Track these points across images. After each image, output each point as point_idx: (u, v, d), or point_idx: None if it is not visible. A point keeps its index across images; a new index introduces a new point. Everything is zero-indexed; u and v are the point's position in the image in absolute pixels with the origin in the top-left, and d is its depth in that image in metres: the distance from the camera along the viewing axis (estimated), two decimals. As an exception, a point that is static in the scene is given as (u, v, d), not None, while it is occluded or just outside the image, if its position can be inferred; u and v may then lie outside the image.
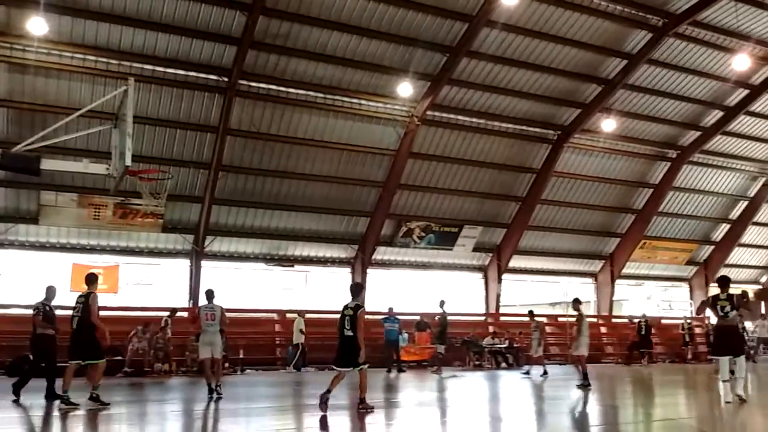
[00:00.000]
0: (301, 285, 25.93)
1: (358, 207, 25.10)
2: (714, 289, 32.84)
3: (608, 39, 23.35)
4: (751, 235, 34.14)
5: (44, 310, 12.00)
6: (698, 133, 28.61)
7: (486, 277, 28.97)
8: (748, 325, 26.41)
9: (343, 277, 26.25)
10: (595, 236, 30.43)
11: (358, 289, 11.47)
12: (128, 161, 12.33)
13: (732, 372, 11.10)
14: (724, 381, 11.10)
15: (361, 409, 10.27)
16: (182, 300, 22.88)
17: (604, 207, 29.52)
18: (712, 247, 33.72)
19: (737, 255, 34.60)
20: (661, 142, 28.53)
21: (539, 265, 30.22)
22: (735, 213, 32.95)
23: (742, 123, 28.97)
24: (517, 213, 27.77)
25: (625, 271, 31.47)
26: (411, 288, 26.85)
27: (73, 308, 11.43)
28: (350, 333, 10.42)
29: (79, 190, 20.85)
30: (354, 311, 10.47)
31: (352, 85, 22.20)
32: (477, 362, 23.60)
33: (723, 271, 34.14)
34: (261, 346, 22.31)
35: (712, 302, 11.56)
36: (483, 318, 27.67)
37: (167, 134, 21.35)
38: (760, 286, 37.12)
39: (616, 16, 22.50)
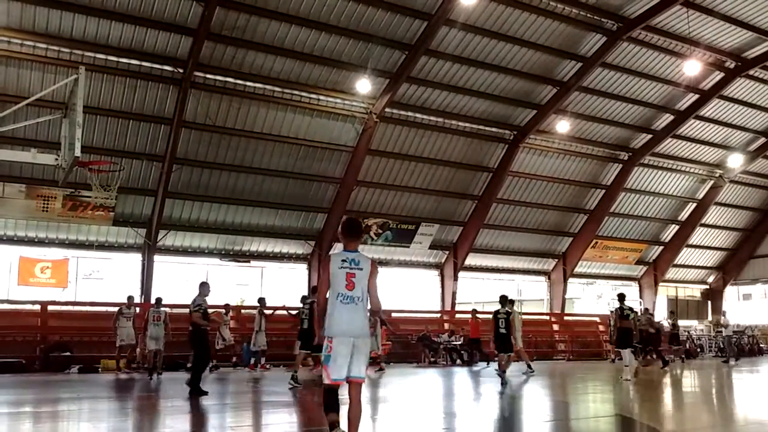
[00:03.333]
0: (256, 281, 25.71)
1: (315, 203, 25.02)
2: (662, 289, 34.00)
3: (564, 42, 23.71)
4: (699, 236, 35.12)
5: (205, 307, 12.59)
6: (649, 136, 29.29)
7: (442, 275, 29.18)
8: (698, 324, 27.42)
9: (300, 273, 26.15)
10: (548, 235, 30.92)
11: (505, 299, 15.36)
12: (78, 152, 12.05)
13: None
14: (626, 366, 15.71)
15: (500, 375, 14.33)
16: (134, 295, 22.43)
17: (557, 207, 30.01)
18: (662, 247, 34.60)
19: (685, 255, 35.57)
20: (614, 144, 29.12)
21: (494, 263, 30.58)
22: (684, 214, 33.85)
23: (692, 127, 29.76)
24: (473, 211, 28.04)
25: (577, 269, 32.08)
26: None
27: (301, 310, 14.69)
28: (504, 331, 14.82)
29: (27, 181, 20.28)
30: (506, 315, 14.88)
31: (310, 80, 22.08)
32: (432, 359, 23.77)
33: (672, 271, 35.21)
34: (213, 343, 21.95)
35: (620, 311, 16.12)
36: (438, 315, 27.86)
37: (119, 125, 20.91)
38: (707, 286, 38.26)
39: (572, 19, 22.86)
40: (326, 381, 5.85)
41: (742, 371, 20.88)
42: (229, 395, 13.69)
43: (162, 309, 17.65)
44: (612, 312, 17.24)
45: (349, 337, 5.84)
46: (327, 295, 6.01)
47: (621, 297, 17.02)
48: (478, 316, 23.68)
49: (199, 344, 12.50)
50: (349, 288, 5.86)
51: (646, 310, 26.44)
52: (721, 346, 30.37)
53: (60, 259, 22.07)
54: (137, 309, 18.83)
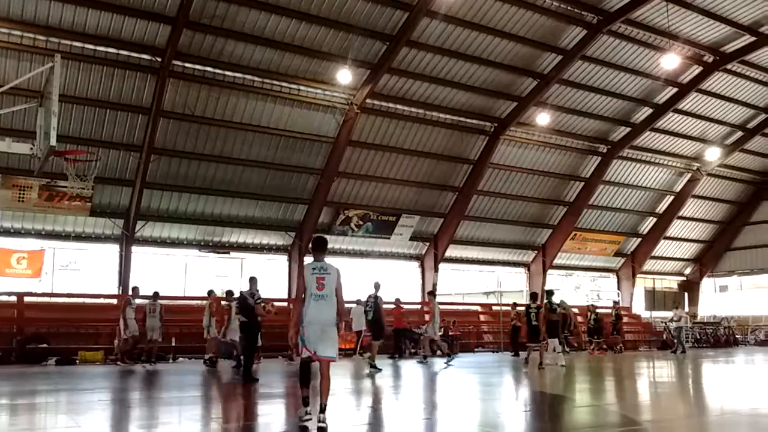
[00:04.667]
0: (236, 272, 25.57)
1: (295, 194, 24.92)
2: (640, 280, 34.22)
3: (544, 34, 23.79)
4: (676, 228, 35.53)
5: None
6: (628, 129, 29.53)
7: (423, 266, 29.28)
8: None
9: (280, 264, 26.06)
10: (528, 227, 31.11)
11: (535, 295, 17.81)
12: (53, 141, 11.84)
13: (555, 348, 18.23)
14: (555, 352, 18.04)
15: (541, 368, 16.06)
16: (111, 286, 22.28)
17: (537, 199, 30.19)
18: (639, 239, 34.98)
19: (663, 248, 35.98)
20: (593, 136, 29.32)
21: (475, 254, 30.72)
22: (661, 207, 34.21)
23: (670, 120, 30.04)
24: (454, 203, 28.12)
25: (557, 261, 32.35)
26: (348, 276, 26.80)
27: (366, 304, 17.10)
28: (536, 323, 16.77)
29: (2, 171, 20.01)
30: (537, 309, 16.93)
31: (290, 70, 21.95)
32: (413, 350, 23.81)
33: (649, 263, 35.59)
34: (194, 335, 21.66)
35: (550, 306, 17.97)
36: (419, 306, 27.90)
37: (96, 114, 20.67)
38: (684, 278, 38.75)
39: (552, 11, 22.93)
40: (302, 355, 7.68)
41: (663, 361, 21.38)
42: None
43: (158, 302, 18.08)
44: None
45: (318, 324, 7.50)
46: (303, 294, 7.71)
47: (549, 293, 19.27)
48: (402, 306, 22.95)
49: (255, 335, 13.73)
50: (320, 289, 7.61)
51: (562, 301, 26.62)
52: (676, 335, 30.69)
53: (36, 249, 21.78)
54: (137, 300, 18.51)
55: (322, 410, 7.19)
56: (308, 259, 26.67)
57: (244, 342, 14.13)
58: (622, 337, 26.94)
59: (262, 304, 13.66)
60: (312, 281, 7.62)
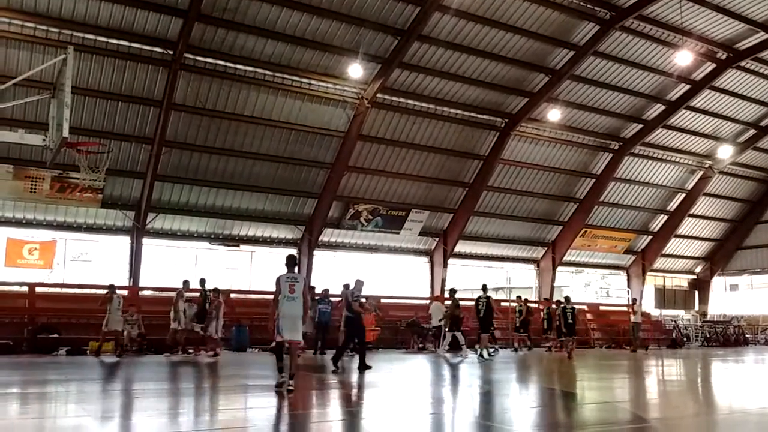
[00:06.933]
0: (246, 265, 25.69)
1: (305, 188, 24.96)
2: (650, 278, 33.99)
3: (556, 29, 23.67)
4: (687, 226, 35.32)
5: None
6: (640, 126, 29.35)
7: (432, 261, 29.25)
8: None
9: (289, 258, 26.06)
10: (538, 223, 31.02)
11: (568, 298, 19.68)
12: (66, 133, 11.92)
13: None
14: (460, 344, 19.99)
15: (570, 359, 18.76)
16: (122, 278, 22.40)
17: (547, 195, 30.08)
18: (650, 237, 34.78)
19: (674, 245, 35.79)
20: (604, 133, 29.16)
21: (484, 250, 30.67)
22: (673, 205, 34.01)
23: (683, 117, 29.84)
24: (464, 199, 28.07)
25: (566, 258, 32.23)
26: (357, 270, 26.84)
27: (476, 302, 19.45)
28: (571, 321, 19.33)
29: (14, 162, 20.15)
30: (572, 309, 19.33)
31: (301, 64, 21.96)
32: (420, 345, 23.83)
33: (660, 261, 35.45)
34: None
35: (455, 302, 19.92)
36: (428, 301, 27.89)
37: (108, 107, 20.77)
38: (695, 276, 38.54)
39: (565, 6, 22.80)
40: (277, 339, 10.34)
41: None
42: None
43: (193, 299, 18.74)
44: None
45: (290, 317, 10.23)
46: (278, 296, 10.35)
47: (452, 291, 20.95)
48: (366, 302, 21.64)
49: (359, 328, 15.10)
50: (291, 292, 10.32)
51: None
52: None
53: (48, 240, 21.94)
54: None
55: (291, 377, 9.99)
56: (318, 253, 27.01)
57: (346, 335, 15.53)
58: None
59: (359, 302, 15.20)
60: (285, 287, 10.34)
